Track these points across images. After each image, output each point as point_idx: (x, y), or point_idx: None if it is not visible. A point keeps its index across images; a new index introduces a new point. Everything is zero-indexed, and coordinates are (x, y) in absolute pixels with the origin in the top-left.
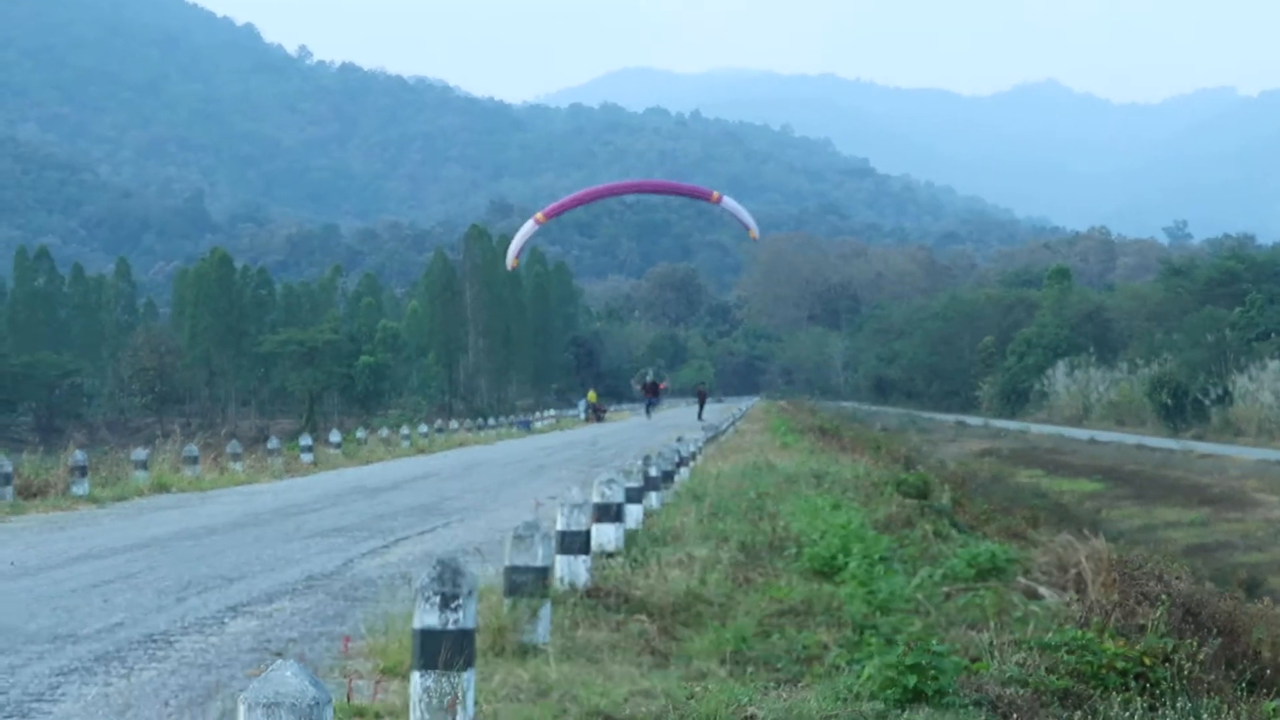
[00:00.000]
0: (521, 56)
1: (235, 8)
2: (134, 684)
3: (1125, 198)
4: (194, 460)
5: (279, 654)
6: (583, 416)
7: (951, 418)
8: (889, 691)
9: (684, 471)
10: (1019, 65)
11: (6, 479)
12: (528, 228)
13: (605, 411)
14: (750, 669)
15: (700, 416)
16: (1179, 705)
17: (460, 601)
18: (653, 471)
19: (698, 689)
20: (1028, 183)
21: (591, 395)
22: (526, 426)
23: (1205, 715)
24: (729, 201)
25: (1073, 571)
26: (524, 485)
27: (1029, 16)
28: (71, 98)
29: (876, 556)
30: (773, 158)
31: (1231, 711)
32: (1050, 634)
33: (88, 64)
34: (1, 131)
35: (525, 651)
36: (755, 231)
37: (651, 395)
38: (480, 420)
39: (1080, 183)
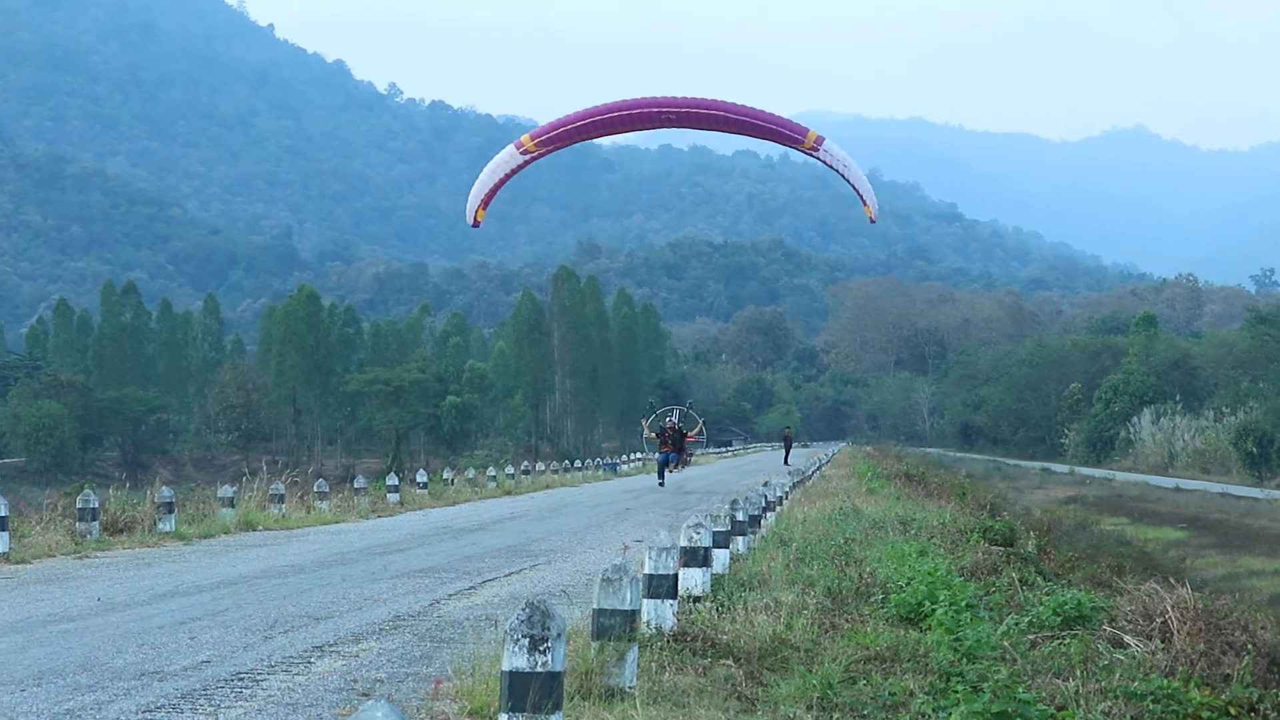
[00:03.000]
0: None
1: (326, 45)
2: None
3: (1213, 245)
4: (280, 499)
5: (366, 694)
6: None
7: (1037, 465)
8: None
9: (771, 516)
10: (1108, 111)
11: (93, 514)
12: (504, 156)
13: (692, 455)
14: (837, 715)
15: (786, 461)
16: None
17: (549, 644)
18: (740, 516)
19: None
20: (1115, 229)
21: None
22: (613, 469)
23: None
24: (833, 151)
25: (1158, 620)
26: (610, 528)
27: (1118, 62)
28: (161, 132)
29: (963, 603)
30: (859, 202)
31: None
32: (1136, 683)
33: (177, 99)
34: (91, 165)
35: (612, 695)
36: (874, 211)
37: (672, 449)
38: (566, 462)
39: (1168, 229)
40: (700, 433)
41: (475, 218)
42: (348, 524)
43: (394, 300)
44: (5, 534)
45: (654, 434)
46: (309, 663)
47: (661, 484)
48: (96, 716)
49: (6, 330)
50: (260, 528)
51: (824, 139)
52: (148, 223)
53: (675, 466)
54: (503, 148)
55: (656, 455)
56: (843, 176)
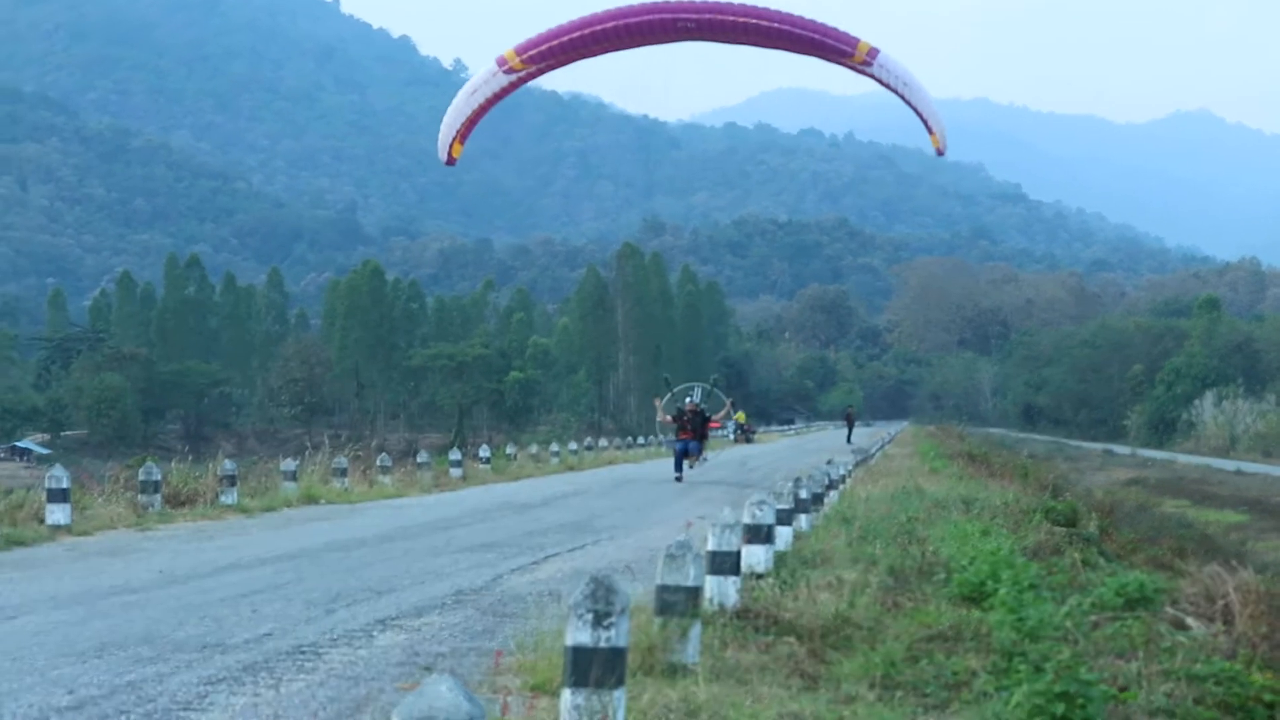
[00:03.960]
0: (677, 75)
1: (392, 20)
2: (282, 695)
3: (1276, 228)
4: (343, 472)
5: (428, 668)
6: (731, 437)
7: (1098, 446)
8: (1037, 719)
9: (833, 494)
10: (1173, 94)
11: (155, 487)
12: (484, 77)
13: (754, 432)
14: (899, 694)
15: (849, 440)
16: None
17: (613, 620)
18: (803, 494)
19: (846, 713)
20: (1179, 211)
21: (740, 416)
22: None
23: None
24: (890, 66)
25: (1220, 603)
26: (673, 504)
27: (1184, 45)
28: (225, 106)
29: (1025, 583)
30: (925, 181)
31: None
32: (1198, 665)
33: (242, 73)
34: (155, 139)
35: (674, 671)
36: (941, 140)
37: (692, 436)
38: (629, 438)
39: (1232, 212)
40: (727, 416)
41: (450, 154)
42: (410, 498)
43: (458, 276)
44: (68, 506)
45: (670, 417)
46: (371, 636)
47: (678, 478)
48: (158, 688)
49: (70, 303)
50: (322, 501)
51: (878, 51)
52: (212, 196)
53: (695, 459)
54: (568, 125)
55: (674, 444)
56: (902, 98)
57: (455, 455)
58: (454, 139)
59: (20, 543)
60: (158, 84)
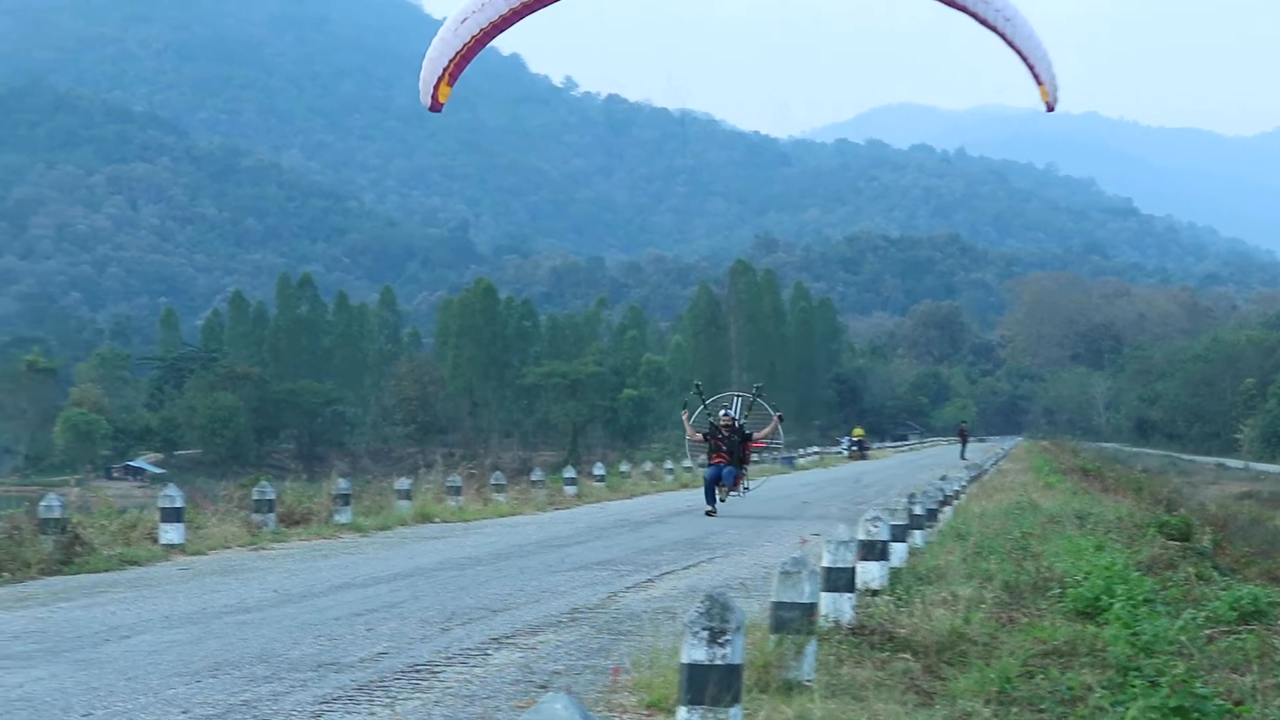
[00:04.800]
0: (788, 92)
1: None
2: (397, 714)
3: None
4: (457, 491)
5: (543, 686)
6: (846, 453)
7: (1211, 460)
8: None
9: (948, 510)
10: None
11: (269, 506)
12: (472, 4)
13: (869, 449)
14: (1014, 710)
15: (963, 455)
16: None
17: (728, 637)
18: (917, 509)
19: None
20: None
21: (858, 431)
22: (790, 463)
23: None
24: None
25: None
26: (788, 521)
27: None
28: (336, 125)
29: (1140, 598)
30: (1036, 196)
31: None
32: None
33: (352, 92)
34: (266, 158)
35: (790, 688)
36: (1051, 94)
37: (728, 460)
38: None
39: None
40: (774, 433)
41: (435, 97)
42: (525, 516)
43: (570, 294)
44: (182, 525)
45: (700, 435)
46: (486, 655)
47: (710, 511)
48: (273, 708)
49: (182, 322)
50: (437, 520)
51: None
52: (323, 215)
53: (727, 489)
54: (679, 142)
55: (704, 468)
56: (1003, 36)
57: (569, 473)
58: (440, 79)
59: (134, 562)
60: (268, 103)
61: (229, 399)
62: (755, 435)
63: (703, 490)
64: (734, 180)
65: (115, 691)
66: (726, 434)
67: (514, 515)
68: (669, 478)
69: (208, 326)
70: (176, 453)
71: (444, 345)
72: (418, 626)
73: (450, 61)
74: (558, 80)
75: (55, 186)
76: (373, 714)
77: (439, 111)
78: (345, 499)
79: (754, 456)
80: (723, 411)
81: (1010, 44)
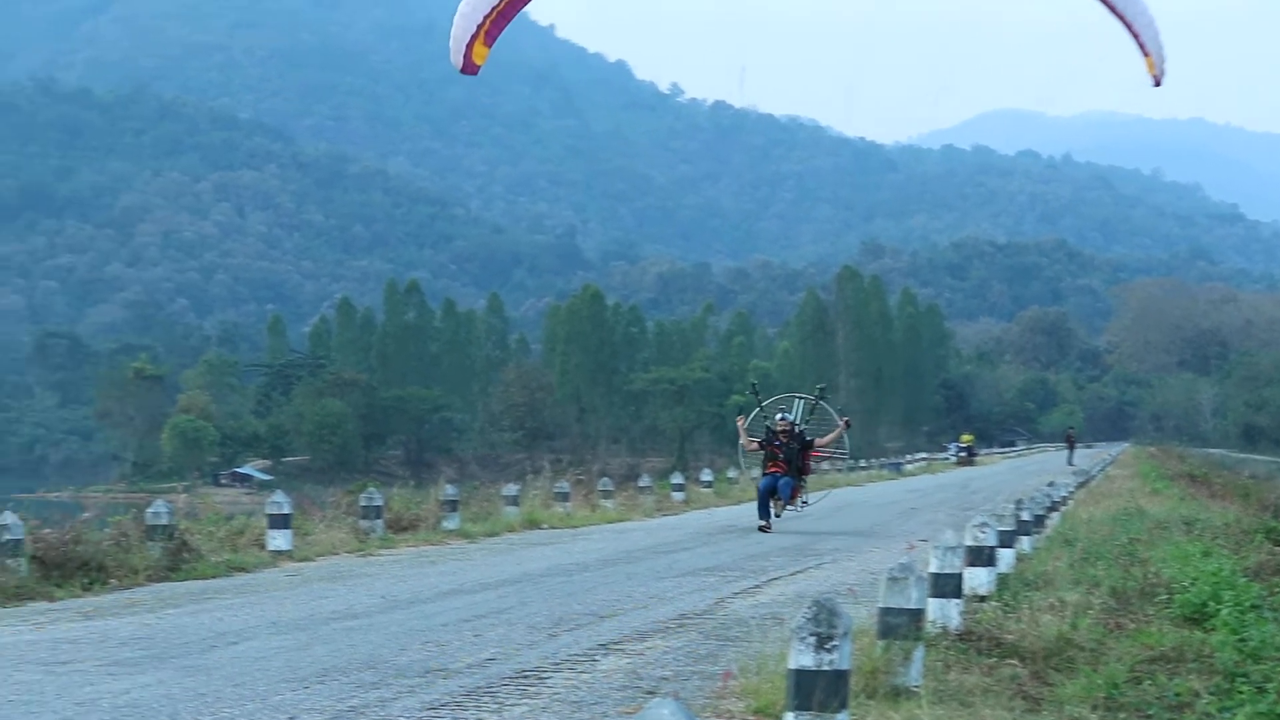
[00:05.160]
0: (893, 98)
1: (607, 45)
2: (505, 719)
3: None
4: (565, 497)
5: (651, 692)
6: (953, 459)
7: None
8: None
9: (1055, 516)
10: None
11: (377, 512)
12: None
13: (977, 454)
14: (1122, 715)
15: (1070, 461)
16: None
17: (835, 642)
18: (1025, 515)
19: None
20: None
21: (967, 437)
22: (897, 469)
23: None
24: None
25: None
26: (895, 527)
27: None
28: (442, 132)
29: (1247, 604)
30: (1142, 202)
31: None
32: None
33: (459, 99)
34: (372, 165)
35: (897, 694)
36: (1158, 66)
37: (785, 470)
38: (851, 461)
39: None
40: (840, 440)
41: (469, 58)
42: (632, 522)
43: (678, 300)
44: (289, 532)
45: (756, 442)
46: (594, 660)
47: (764, 527)
48: (380, 714)
49: (289, 329)
50: (545, 526)
51: None
52: (430, 222)
53: (783, 503)
54: (785, 148)
55: (758, 479)
56: (1105, 2)
57: (677, 479)
58: (474, 37)
59: (242, 568)
60: (374, 110)
61: (337, 405)
62: (817, 443)
63: (755, 504)
64: (840, 186)
65: (222, 698)
66: (784, 441)
67: (622, 521)
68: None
69: (315, 333)
70: (284, 459)
71: (551, 351)
72: (525, 632)
73: (485, 18)
74: (664, 86)
75: (162, 194)
76: None
77: (474, 74)
78: (453, 505)
79: (817, 465)
80: (780, 416)
81: (1114, 10)
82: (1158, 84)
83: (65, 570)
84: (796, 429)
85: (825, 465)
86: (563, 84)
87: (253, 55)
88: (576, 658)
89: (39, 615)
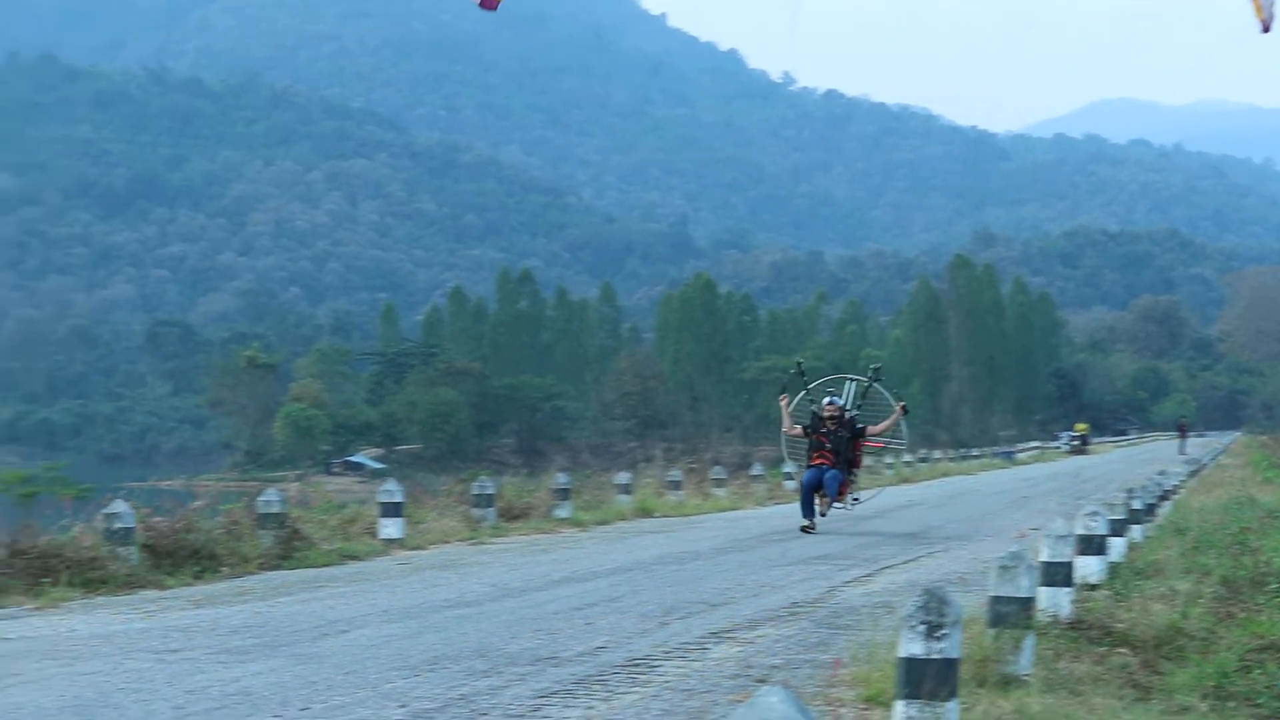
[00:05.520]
0: (1006, 86)
1: (720, 33)
2: (615, 707)
3: None
4: (677, 485)
5: (761, 680)
6: (1066, 448)
7: None
8: None
9: (1166, 505)
10: None
11: (489, 501)
12: None
13: (1090, 443)
14: (1231, 704)
15: (1182, 450)
16: None
17: (946, 631)
18: (1135, 504)
19: None
20: None
21: (1081, 426)
22: (1009, 457)
23: None
24: None
25: None
26: (1007, 516)
27: None
28: (555, 122)
29: None
30: (1254, 191)
31: None
32: None
33: (571, 89)
34: (486, 154)
35: (1008, 682)
36: (1266, 11)
37: (833, 461)
38: (963, 450)
39: None
40: (895, 427)
41: None
42: (745, 511)
43: (790, 288)
44: (401, 520)
45: (801, 429)
46: (705, 649)
47: (808, 526)
48: (490, 701)
49: (403, 317)
50: (657, 514)
51: None
52: (543, 211)
53: (829, 500)
54: (898, 137)
55: (802, 470)
56: None
57: (789, 468)
58: None
59: (354, 557)
60: (486, 100)
61: (449, 394)
62: (869, 430)
63: (800, 500)
64: (952, 175)
65: (333, 685)
66: (832, 427)
67: (734, 510)
68: (889, 472)
69: (427, 322)
70: (396, 448)
71: (664, 340)
72: (636, 621)
73: None
74: (775, 76)
75: (274, 183)
76: (590, 708)
77: (493, 8)
78: (565, 494)
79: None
80: (827, 399)
81: None
82: (1266, 29)
83: (176, 558)
84: (846, 415)
85: (887, 458)
86: (675, 73)
87: (364, 45)
88: (687, 646)
89: (149, 603)
